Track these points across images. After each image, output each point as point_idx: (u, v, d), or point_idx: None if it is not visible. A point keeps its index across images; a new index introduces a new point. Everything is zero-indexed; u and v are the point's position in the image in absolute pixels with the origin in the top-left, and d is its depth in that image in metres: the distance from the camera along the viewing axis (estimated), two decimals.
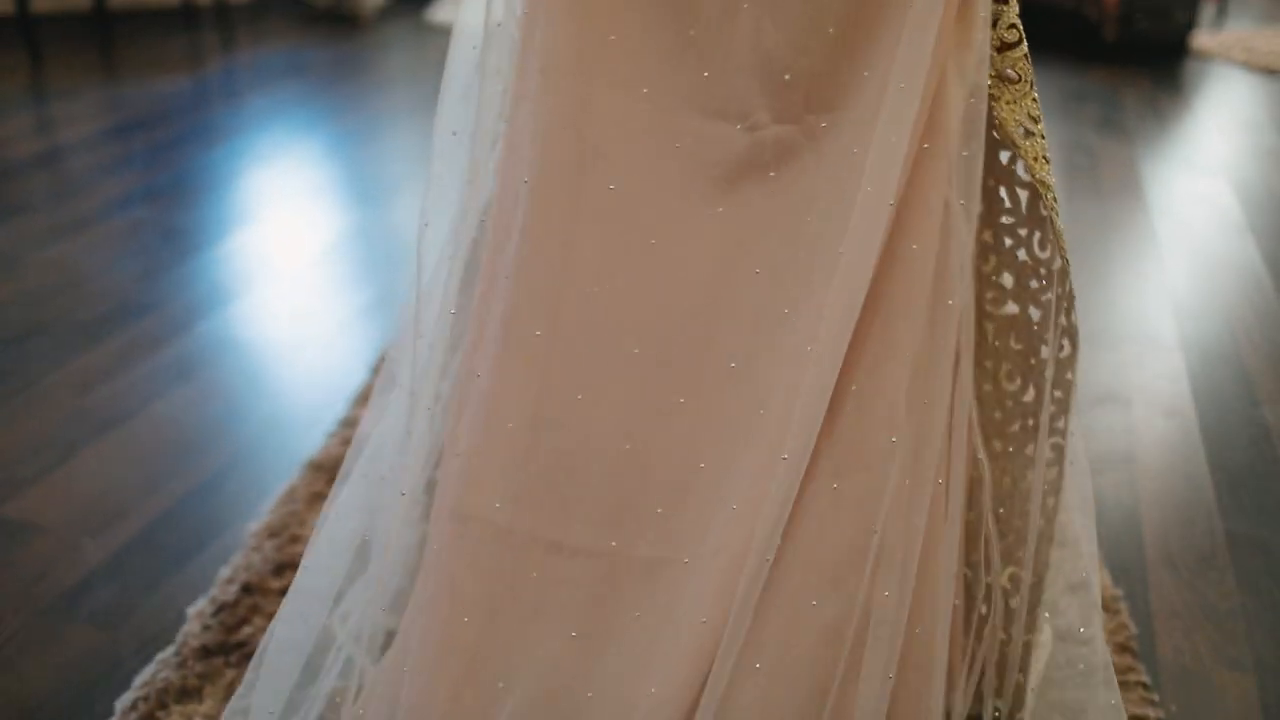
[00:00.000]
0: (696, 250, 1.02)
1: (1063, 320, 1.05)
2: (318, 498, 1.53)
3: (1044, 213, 1.04)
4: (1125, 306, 2.30)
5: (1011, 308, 1.10)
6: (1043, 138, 1.03)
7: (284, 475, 1.62)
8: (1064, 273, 1.03)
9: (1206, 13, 5.00)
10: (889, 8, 0.94)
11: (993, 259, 1.10)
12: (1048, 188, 1.03)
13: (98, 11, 4.16)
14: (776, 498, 0.94)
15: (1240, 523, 1.61)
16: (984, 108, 0.96)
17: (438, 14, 4.82)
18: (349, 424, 1.73)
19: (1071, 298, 1.04)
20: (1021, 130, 1.02)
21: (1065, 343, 1.05)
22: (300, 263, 2.41)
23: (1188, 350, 2.11)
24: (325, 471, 1.58)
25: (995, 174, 1.07)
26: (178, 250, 2.43)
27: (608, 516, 1.03)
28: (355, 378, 1.92)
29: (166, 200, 2.72)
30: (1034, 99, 1.02)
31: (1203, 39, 4.74)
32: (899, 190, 0.93)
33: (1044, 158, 1.03)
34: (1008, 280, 1.09)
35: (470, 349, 1.08)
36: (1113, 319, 2.23)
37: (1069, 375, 1.06)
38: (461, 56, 1.09)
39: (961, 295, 0.97)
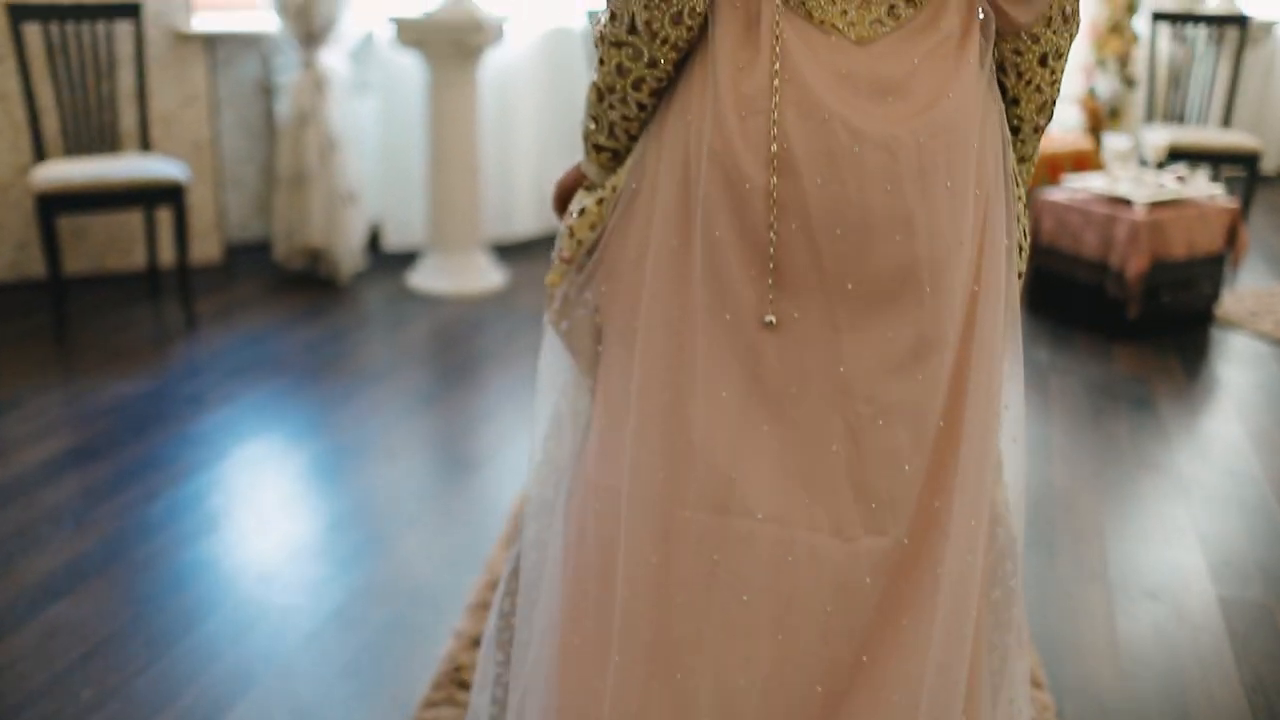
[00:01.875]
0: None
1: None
2: None
3: None
4: None
5: None
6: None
7: None
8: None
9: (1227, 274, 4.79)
10: (953, 445, 1.16)
11: None
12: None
13: (53, 279, 3.85)
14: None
15: None
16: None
17: (417, 278, 4.56)
18: None
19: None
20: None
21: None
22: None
23: None
24: None
25: None
26: (95, 684, 2.06)
27: None
28: None
29: (94, 590, 2.36)
30: None
31: (1227, 304, 4.52)
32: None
33: None
34: None
35: None
36: None
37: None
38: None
39: None
